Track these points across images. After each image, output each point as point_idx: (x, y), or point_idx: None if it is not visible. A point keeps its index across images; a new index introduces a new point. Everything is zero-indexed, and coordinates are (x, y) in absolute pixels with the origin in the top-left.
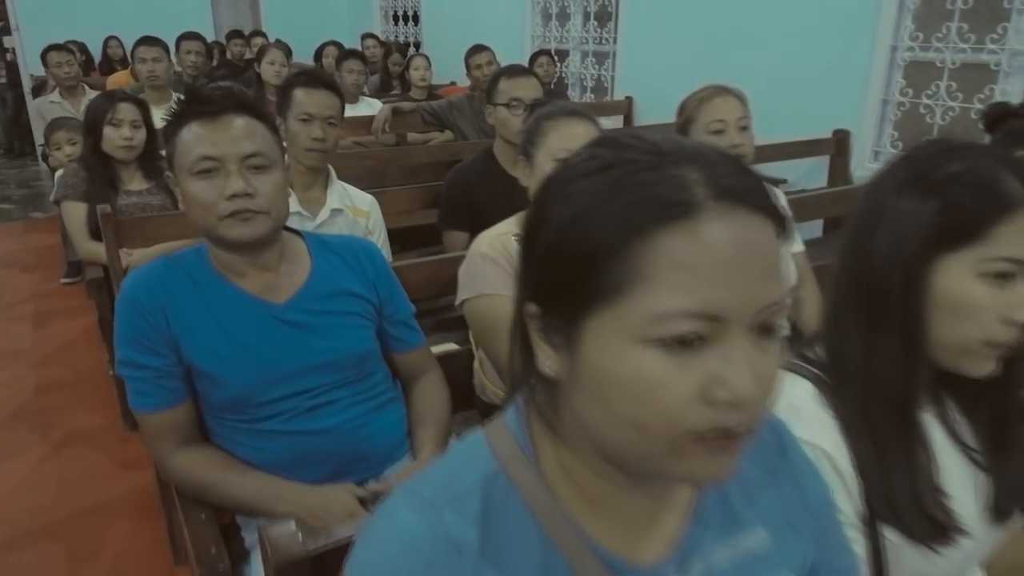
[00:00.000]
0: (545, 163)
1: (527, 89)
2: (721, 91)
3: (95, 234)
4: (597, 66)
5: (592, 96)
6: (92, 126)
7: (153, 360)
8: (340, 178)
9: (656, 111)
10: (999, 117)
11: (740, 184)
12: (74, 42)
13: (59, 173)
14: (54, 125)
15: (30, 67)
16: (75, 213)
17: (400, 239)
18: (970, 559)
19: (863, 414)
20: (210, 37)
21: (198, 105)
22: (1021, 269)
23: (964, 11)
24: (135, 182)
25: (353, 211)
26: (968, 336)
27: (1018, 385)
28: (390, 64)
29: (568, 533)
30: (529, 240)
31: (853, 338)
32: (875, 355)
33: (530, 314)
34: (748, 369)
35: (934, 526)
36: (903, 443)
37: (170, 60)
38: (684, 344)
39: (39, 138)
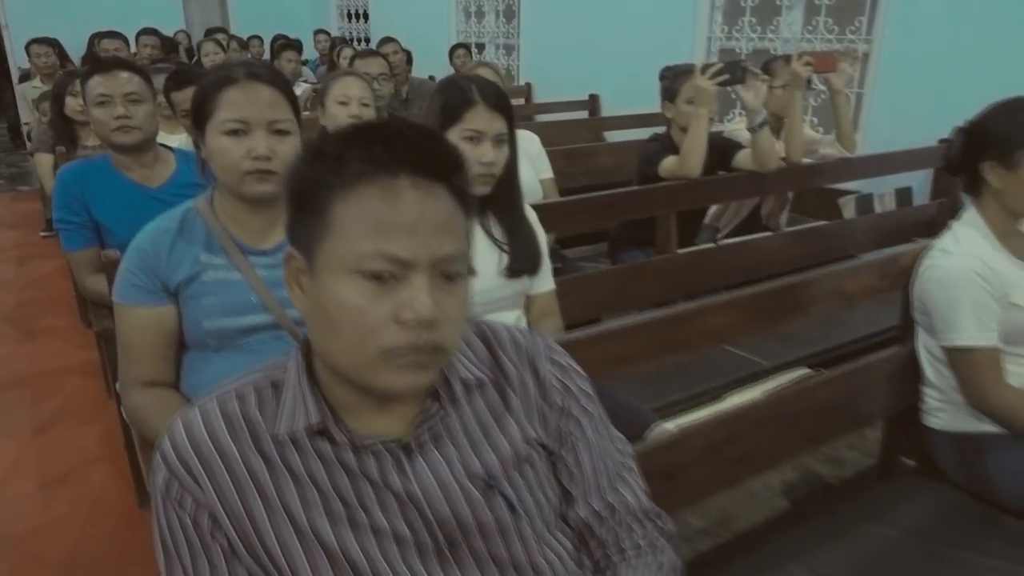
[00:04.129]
0: (331, 106)
1: (372, 66)
2: (481, 65)
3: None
4: (506, 56)
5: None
6: (57, 96)
7: (75, 217)
8: None
9: (548, 93)
10: None
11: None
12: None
13: (33, 128)
14: (42, 98)
15: (18, 61)
16: (44, 161)
17: None
18: (494, 303)
19: None
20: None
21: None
22: None
23: (752, 8)
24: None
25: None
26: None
27: (515, 198)
28: (335, 56)
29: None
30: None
31: None
32: None
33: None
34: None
35: None
36: None
37: (129, 51)
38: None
39: (25, 116)
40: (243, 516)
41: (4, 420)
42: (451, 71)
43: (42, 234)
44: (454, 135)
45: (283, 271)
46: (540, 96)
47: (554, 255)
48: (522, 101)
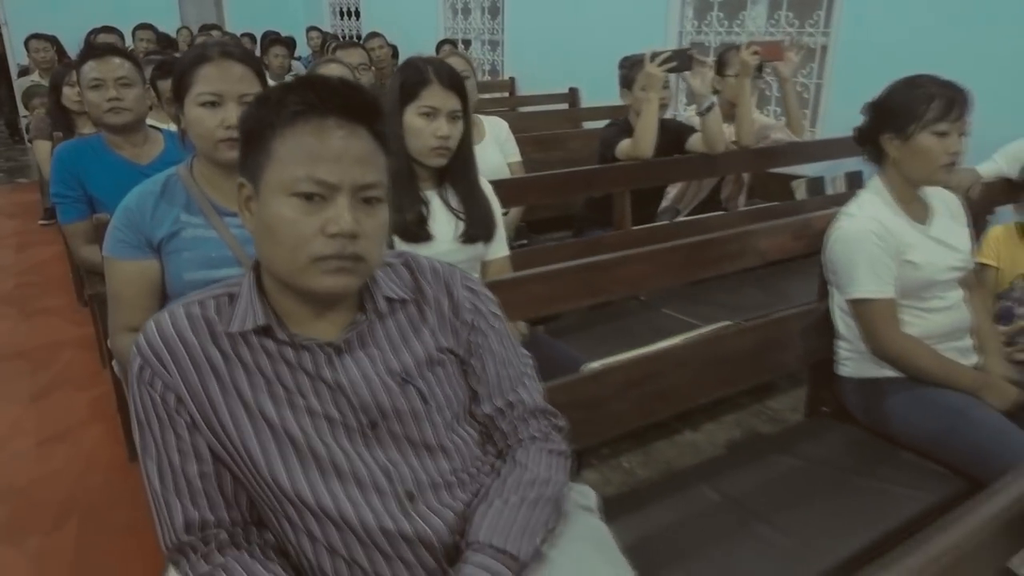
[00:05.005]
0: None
1: (352, 57)
2: (452, 54)
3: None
4: (491, 52)
5: (488, 76)
6: (55, 86)
7: (71, 192)
8: None
9: (532, 87)
10: None
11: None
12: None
13: (31, 120)
14: (30, 92)
15: (17, 58)
16: (42, 148)
17: None
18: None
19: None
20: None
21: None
22: None
23: (720, 3)
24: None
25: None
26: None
27: (470, 169)
28: (326, 52)
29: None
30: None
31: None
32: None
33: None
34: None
35: (418, 235)
36: (412, 198)
37: (124, 46)
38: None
39: (24, 110)
40: (203, 396)
41: (5, 388)
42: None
43: (40, 223)
44: (411, 111)
45: (237, 199)
46: (524, 89)
47: (521, 232)
48: (506, 94)
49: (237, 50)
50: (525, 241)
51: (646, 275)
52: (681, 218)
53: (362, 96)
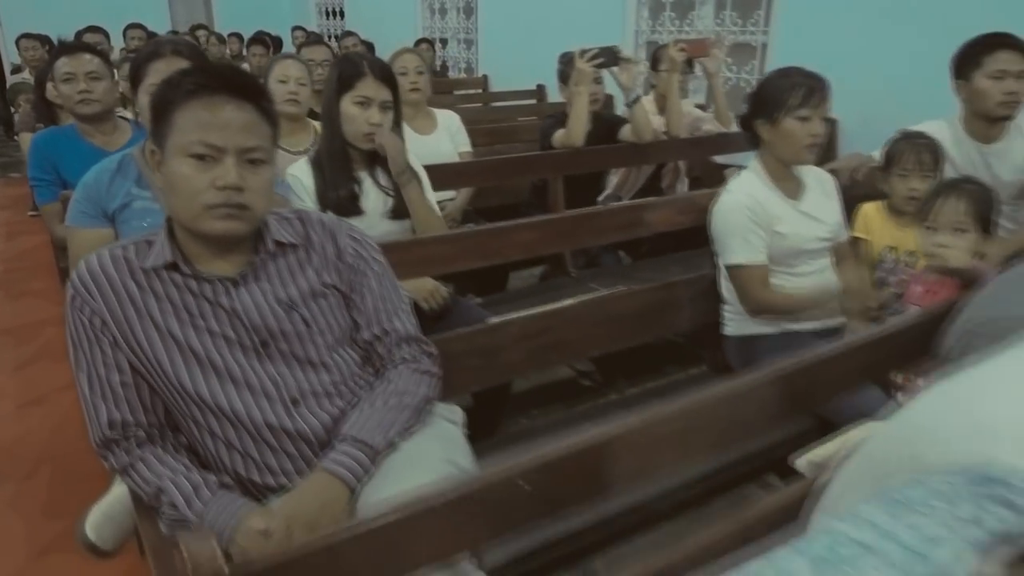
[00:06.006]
0: (273, 84)
1: (316, 53)
2: (406, 51)
3: None
4: (467, 50)
5: (464, 74)
6: (39, 82)
7: (46, 175)
8: None
9: (503, 84)
10: None
11: (239, 87)
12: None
13: (17, 116)
14: (15, 89)
15: (10, 57)
16: (27, 139)
17: None
18: (379, 240)
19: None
20: (165, 31)
21: None
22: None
23: (672, 3)
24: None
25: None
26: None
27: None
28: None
29: None
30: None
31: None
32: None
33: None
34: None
35: (350, 210)
36: (346, 177)
37: (110, 45)
38: (202, 159)
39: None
40: (123, 319)
41: None
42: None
43: (30, 214)
44: (347, 100)
45: (149, 162)
46: (496, 86)
47: (468, 217)
48: (480, 90)
49: (185, 48)
50: (472, 225)
51: (536, 241)
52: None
53: (245, 78)
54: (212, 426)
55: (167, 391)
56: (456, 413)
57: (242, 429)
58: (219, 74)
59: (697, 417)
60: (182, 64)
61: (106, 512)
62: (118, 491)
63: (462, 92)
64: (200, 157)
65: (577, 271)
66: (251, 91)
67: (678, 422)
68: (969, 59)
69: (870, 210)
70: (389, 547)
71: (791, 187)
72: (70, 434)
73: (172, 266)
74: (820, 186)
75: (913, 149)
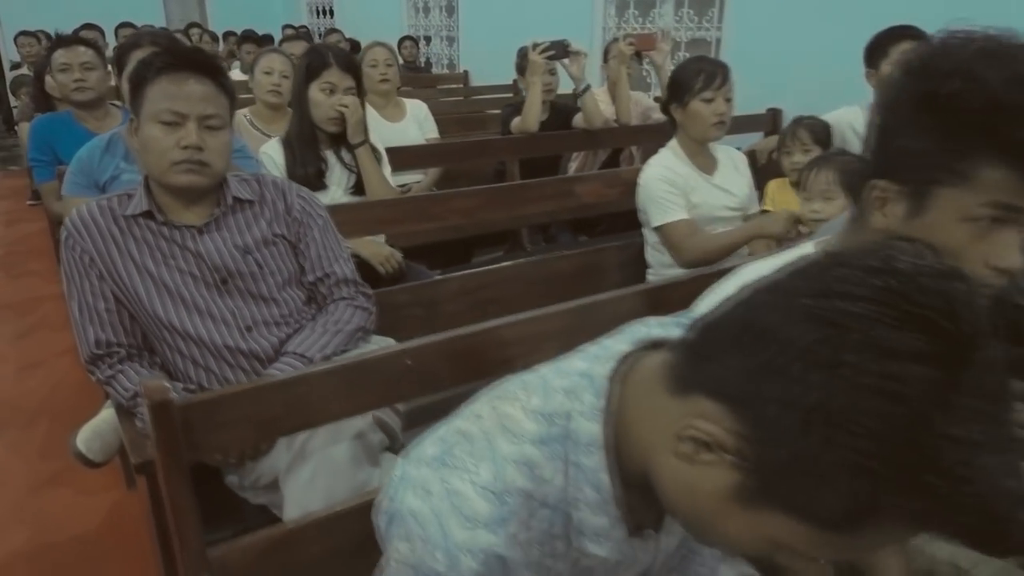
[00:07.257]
0: (258, 75)
1: (296, 48)
2: (376, 44)
3: None
4: (449, 47)
5: (447, 69)
6: (37, 75)
7: (44, 156)
8: None
9: (483, 79)
10: None
11: (200, 65)
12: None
13: (17, 106)
14: (16, 82)
15: (9, 54)
16: (26, 129)
17: None
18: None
19: None
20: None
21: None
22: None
23: (636, 1)
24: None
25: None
26: None
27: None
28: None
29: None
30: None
31: None
32: None
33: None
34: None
35: (316, 185)
36: (313, 156)
37: (105, 41)
38: (168, 124)
39: (14, 100)
40: (107, 257)
41: None
42: (400, 60)
43: (28, 203)
44: (314, 87)
45: (129, 128)
46: (477, 81)
47: None
48: (460, 85)
49: (163, 39)
50: None
51: (474, 207)
52: None
53: (206, 58)
54: (180, 347)
55: (144, 317)
56: (387, 342)
57: (205, 349)
58: (184, 55)
59: (581, 317)
60: None
61: (95, 429)
62: (105, 413)
63: (444, 87)
64: (168, 123)
65: (533, 247)
66: (211, 69)
67: (561, 319)
68: (877, 49)
69: (773, 185)
70: (299, 399)
71: (705, 163)
72: (66, 391)
73: (148, 215)
74: (732, 163)
75: (794, 129)
